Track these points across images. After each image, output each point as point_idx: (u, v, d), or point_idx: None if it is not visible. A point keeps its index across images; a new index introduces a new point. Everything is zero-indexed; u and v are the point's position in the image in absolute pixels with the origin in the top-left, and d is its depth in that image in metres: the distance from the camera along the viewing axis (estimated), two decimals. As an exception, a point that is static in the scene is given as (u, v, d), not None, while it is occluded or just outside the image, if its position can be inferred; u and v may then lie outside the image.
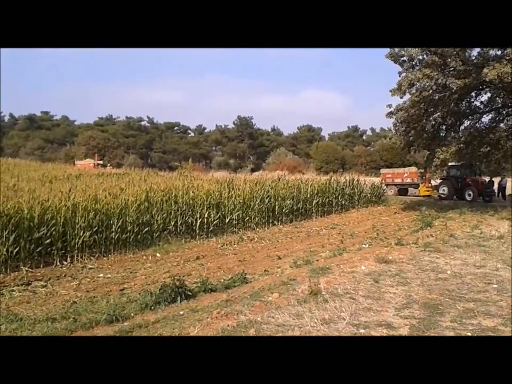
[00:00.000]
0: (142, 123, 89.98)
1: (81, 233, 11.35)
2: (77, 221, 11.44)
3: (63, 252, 11.08)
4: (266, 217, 17.86)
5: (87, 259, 11.26)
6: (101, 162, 51.80)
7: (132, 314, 6.79)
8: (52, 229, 10.83)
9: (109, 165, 51.25)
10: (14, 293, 8.32)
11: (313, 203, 20.74)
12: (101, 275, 9.83)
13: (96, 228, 11.81)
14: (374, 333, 5.70)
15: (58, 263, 10.71)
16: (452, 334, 5.66)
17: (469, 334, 5.67)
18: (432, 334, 5.66)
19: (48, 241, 10.69)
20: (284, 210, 18.70)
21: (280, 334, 5.60)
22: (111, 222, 12.21)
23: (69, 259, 11.01)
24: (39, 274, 9.85)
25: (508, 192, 29.82)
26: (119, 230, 12.25)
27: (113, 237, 12.12)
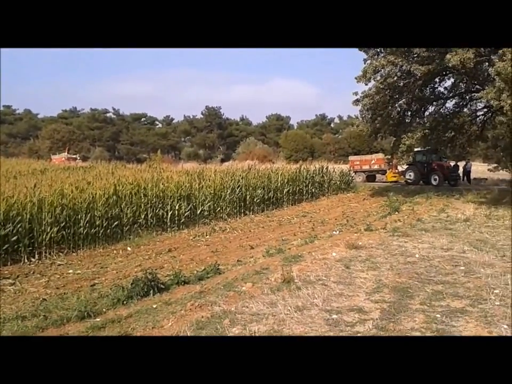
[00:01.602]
0: (108, 115, 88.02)
1: (48, 229, 11.14)
2: (43, 217, 11.22)
3: (30, 248, 10.86)
4: (238, 207, 17.88)
5: (55, 255, 11.07)
6: (74, 156, 49.87)
7: (104, 309, 6.71)
8: (18, 226, 10.60)
9: (78, 158, 49.48)
10: (-20, 292, 8.12)
11: (284, 192, 20.85)
12: (71, 271, 9.68)
13: (63, 223, 11.61)
14: (346, 318, 5.79)
15: (26, 260, 10.51)
16: (421, 316, 5.80)
17: (438, 316, 5.82)
18: (402, 318, 5.79)
19: (14, 238, 10.46)
20: (255, 200, 18.76)
21: (254, 323, 5.63)
22: (79, 216, 12.02)
23: (37, 256, 10.81)
24: (6, 272, 9.63)
25: (472, 176, 30.62)
26: (87, 224, 12.07)
27: (82, 232, 11.94)
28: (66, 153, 48.08)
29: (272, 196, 20.07)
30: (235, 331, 5.39)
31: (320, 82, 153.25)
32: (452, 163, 29.16)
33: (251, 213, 18.26)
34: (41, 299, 7.57)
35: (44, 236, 11.07)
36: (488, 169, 30.16)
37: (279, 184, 20.74)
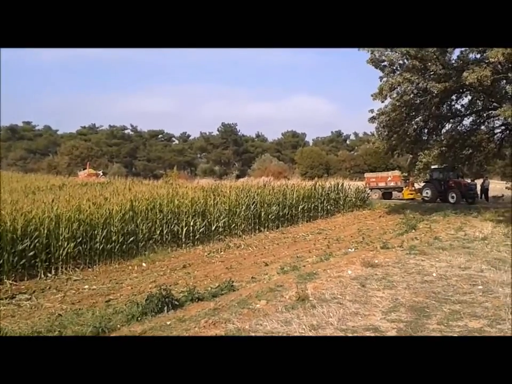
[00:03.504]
0: (126, 131, 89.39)
1: (65, 245, 11.22)
2: (60, 232, 11.31)
3: (47, 263, 10.93)
4: (253, 224, 17.84)
5: (71, 270, 11.13)
6: (98, 172, 49.67)
7: (118, 326, 6.71)
8: (36, 241, 10.69)
9: (101, 174, 49.31)
10: (-3, 307, 8.19)
11: (299, 208, 20.77)
12: (86, 286, 9.72)
13: (80, 239, 11.68)
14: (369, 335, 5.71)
15: (42, 275, 10.57)
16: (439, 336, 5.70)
17: (456, 336, 5.72)
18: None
19: (31, 253, 10.54)
20: (270, 217, 18.69)
21: (268, 342, 5.58)
22: (96, 232, 12.09)
23: (53, 271, 10.87)
24: (23, 287, 9.70)
25: (490, 193, 30.23)
26: (103, 240, 12.13)
27: (98, 247, 12.00)
28: (87, 169, 48.43)
29: (287, 212, 19.99)
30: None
31: (335, 99, 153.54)
32: (469, 181, 28.87)
33: (266, 229, 18.20)
34: (56, 314, 7.60)
35: (61, 251, 11.14)
36: (506, 187, 29.74)
37: (294, 200, 20.66)
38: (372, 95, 20.78)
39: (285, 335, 5.82)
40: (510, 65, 16.97)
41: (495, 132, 24.75)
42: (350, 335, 5.54)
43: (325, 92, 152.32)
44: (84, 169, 50.76)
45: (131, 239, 12.91)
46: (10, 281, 9.82)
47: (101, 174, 48.47)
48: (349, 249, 13.00)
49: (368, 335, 5.81)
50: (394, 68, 20.98)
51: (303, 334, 5.81)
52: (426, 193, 28.23)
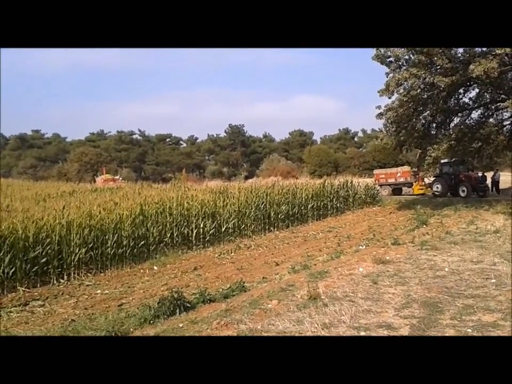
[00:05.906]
0: (134, 136, 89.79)
1: (76, 250, 11.30)
2: (72, 238, 11.39)
3: (59, 270, 11.02)
4: (262, 224, 17.85)
5: (84, 276, 11.20)
6: (116, 177, 49.08)
7: (131, 329, 6.74)
8: (47, 248, 10.78)
9: (120, 178, 48.77)
10: (11, 314, 8.27)
11: (309, 207, 20.74)
12: (99, 291, 9.78)
13: (91, 244, 11.76)
14: (374, 335, 5.68)
15: (55, 282, 10.66)
16: (452, 331, 5.67)
17: (469, 330, 5.68)
18: (432, 334, 5.66)
19: (44, 260, 10.64)
20: (279, 216, 18.69)
21: (281, 341, 5.58)
22: (107, 237, 12.17)
23: (65, 277, 10.95)
24: (36, 293, 9.79)
25: (501, 186, 29.98)
26: (114, 245, 12.21)
27: (109, 252, 12.07)
28: (104, 175, 48.36)
29: (296, 211, 19.97)
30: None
31: (342, 97, 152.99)
32: (480, 174, 28.66)
33: (276, 229, 18.19)
34: (70, 320, 7.66)
35: (73, 257, 11.23)
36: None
37: (303, 199, 20.64)
38: (378, 91, 20.73)
39: (296, 335, 5.81)
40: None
41: (504, 124, 24.60)
42: (356, 334, 5.51)
43: (330, 89, 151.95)
44: (100, 175, 50.61)
45: (142, 242, 12.98)
46: (24, 288, 9.92)
47: (120, 178, 48.06)
48: (360, 247, 12.96)
49: (380, 332, 5.79)
50: (400, 63, 20.90)
51: (315, 333, 5.80)
52: (437, 187, 28.04)
